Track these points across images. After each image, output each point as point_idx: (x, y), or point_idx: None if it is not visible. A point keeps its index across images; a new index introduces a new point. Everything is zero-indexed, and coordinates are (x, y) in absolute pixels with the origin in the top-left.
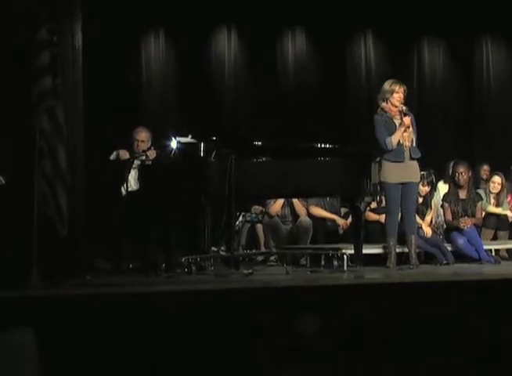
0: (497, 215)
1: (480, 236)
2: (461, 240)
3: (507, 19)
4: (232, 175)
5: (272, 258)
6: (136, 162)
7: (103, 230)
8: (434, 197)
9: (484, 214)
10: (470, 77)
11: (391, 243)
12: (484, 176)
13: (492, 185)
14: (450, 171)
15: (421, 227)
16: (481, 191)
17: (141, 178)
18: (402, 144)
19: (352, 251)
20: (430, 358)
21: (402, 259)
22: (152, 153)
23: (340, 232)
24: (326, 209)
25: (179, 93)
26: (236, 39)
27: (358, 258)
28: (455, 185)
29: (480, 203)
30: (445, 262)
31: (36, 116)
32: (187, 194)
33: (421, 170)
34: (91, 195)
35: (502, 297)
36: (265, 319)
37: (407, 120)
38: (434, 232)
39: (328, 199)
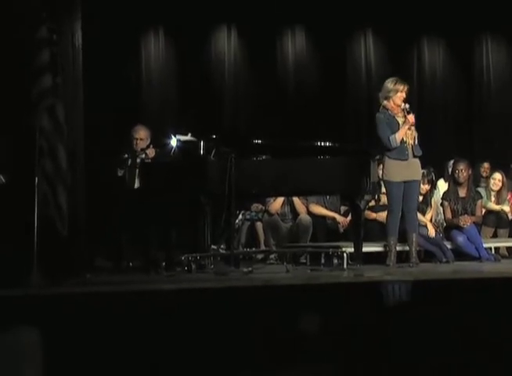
0: (497, 213)
1: (480, 234)
2: (461, 238)
3: (507, 17)
4: (232, 174)
5: (272, 256)
6: (136, 161)
7: (104, 229)
8: (434, 196)
9: (484, 212)
10: (470, 76)
11: (392, 242)
12: (485, 174)
13: (492, 181)
14: (450, 169)
15: (425, 226)
16: (481, 189)
17: (141, 176)
18: (405, 142)
19: (352, 250)
20: (430, 357)
21: (402, 257)
22: (151, 152)
23: (341, 230)
24: (326, 207)
25: (179, 92)
26: (236, 38)
27: (358, 257)
28: (455, 183)
29: (480, 201)
30: (444, 260)
31: (36, 115)
32: (187, 193)
33: (421, 168)
34: (91, 194)
35: (502, 295)
36: (265, 318)
37: (411, 118)
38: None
39: (328, 197)
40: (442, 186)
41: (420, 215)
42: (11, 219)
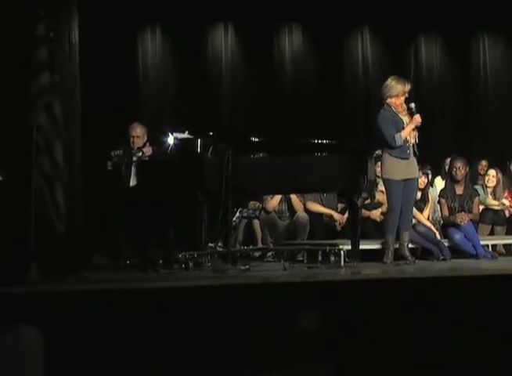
0: (494, 211)
1: (477, 231)
2: (458, 236)
3: (504, 15)
4: (229, 171)
5: (269, 253)
6: (133, 158)
7: (101, 227)
8: (431, 193)
9: (481, 209)
10: (467, 74)
11: (390, 240)
12: (482, 172)
13: (487, 178)
14: (447, 166)
15: (423, 223)
16: (478, 187)
17: (138, 174)
18: (408, 141)
19: (349, 247)
20: (427, 354)
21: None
22: (148, 150)
23: (338, 228)
24: (323, 205)
25: (176, 89)
26: (233, 36)
27: (355, 254)
28: (452, 180)
29: (477, 198)
30: (442, 257)
31: (33, 112)
32: (184, 190)
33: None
34: (88, 191)
35: (500, 292)
36: (263, 315)
37: (418, 118)
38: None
39: (325, 195)
40: (439, 183)
41: (418, 213)
42: (8, 217)
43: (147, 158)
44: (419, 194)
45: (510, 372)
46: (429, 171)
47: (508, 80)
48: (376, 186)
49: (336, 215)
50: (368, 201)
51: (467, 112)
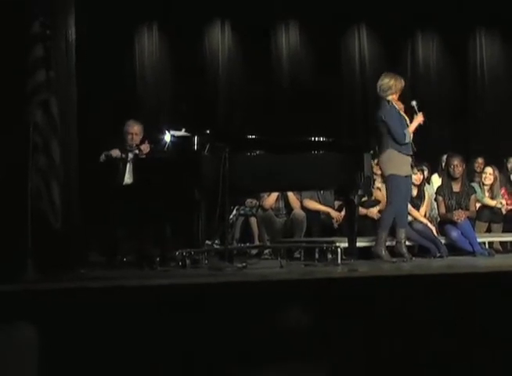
0: (491, 208)
1: (474, 229)
2: (455, 233)
3: (501, 12)
4: (226, 169)
5: (266, 251)
6: (130, 156)
7: (98, 224)
8: (428, 190)
9: (477, 207)
10: (464, 71)
11: (384, 236)
12: (479, 169)
13: (484, 176)
14: (444, 163)
15: (420, 221)
16: (474, 184)
17: (134, 172)
18: (411, 138)
19: (346, 244)
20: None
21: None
22: (145, 147)
23: (335, 225)
24: (320, 202)
25: (173, 87)
26: (230, 33)
27: (352, 252)
28: (449, 177)
29: (474, 195)
30: (438, 255)
31: (30, 110)
32: (181, 188)
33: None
34: (85, 189)
35: (496, 289)
36: (260, 313)
37: (422, 116)
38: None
39: (322, 192)
40: (436, 180)
41: (414, 211)
42: (5, 214)
43: (144, 156)
44: (415, 191)
45: (507, 370)
46: (425, 168)
47: (505, 77)
48: (374, 183)
49: (333, 213)
50: (365, 199)
51: (464, 109)
